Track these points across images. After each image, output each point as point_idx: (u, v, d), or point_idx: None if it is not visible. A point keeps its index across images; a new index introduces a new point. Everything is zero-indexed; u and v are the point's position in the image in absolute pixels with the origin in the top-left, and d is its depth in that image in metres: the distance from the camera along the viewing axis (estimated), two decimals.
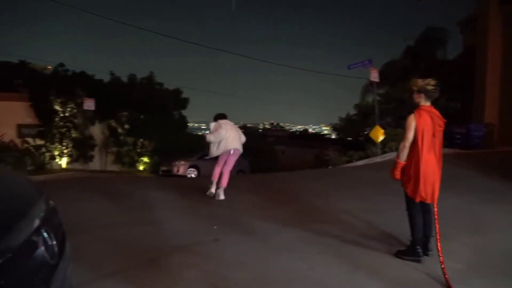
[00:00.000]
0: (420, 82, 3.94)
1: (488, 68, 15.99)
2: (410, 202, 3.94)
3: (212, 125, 7.08)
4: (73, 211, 5.20)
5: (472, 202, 6.09)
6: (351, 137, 25.10)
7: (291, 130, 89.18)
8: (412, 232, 3.95)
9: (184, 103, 24.52)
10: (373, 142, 13.92)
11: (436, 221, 3.75)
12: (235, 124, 7.53)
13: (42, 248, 1.57)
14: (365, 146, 15.58)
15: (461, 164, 9.47)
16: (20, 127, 19.39)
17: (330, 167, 14.69)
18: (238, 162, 7.48)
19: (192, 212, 5.75)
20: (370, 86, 19.42)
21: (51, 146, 19.31)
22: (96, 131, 21.28)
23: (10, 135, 17.81)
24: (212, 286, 3.28)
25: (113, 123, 21.48)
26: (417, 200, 3.82)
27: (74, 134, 20.01)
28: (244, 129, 28.80)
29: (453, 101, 21.10)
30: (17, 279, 1.33)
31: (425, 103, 3.90)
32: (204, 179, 12.47)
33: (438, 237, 3.66)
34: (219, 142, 6.87)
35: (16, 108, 19.20)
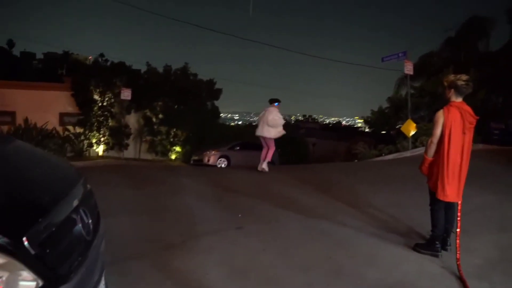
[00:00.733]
0: (451, 77, 3.89)
1: None
2: (433, 197, 3.93)
3: (277, 111, 8.70)
4: (108, 195, 5.52)
5: (502, 199, 5.95)
6: (384, 131, 24.57)
7: (324, 123, 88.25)
8: (432, 227, 3.96)
9: (217, 93, 24.83)
10: (404, 136, 13.67)
11: (459, 217, 3.75)
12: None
13: (80, 225, 1.78)
14: (396, 140, 15.32)
15: (496, 160, 9.16)
16: (62, 115, 20.45)
17: (356, 160, 14.59)
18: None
19: (220, 201, 5.98)
20: (404, 78, 18.96)
21: (90, 134, 20.23)
22: (132, 120, 21.96)
23: (53, 123, 18.87)
24: (237, 267, 3.49)
25: (148, 113, 22.12)
26: (440, 198, 3.80)
27: (111, 122, 20.84)
28: None
29: (493, 94, 20.20)
30: (59, 250, 1.56)
31: (456, 99, 3.84)
32: (234, 169, 12.74)
33: (458, 232, 3.67)
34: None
35: (59, 97, 20.26)
